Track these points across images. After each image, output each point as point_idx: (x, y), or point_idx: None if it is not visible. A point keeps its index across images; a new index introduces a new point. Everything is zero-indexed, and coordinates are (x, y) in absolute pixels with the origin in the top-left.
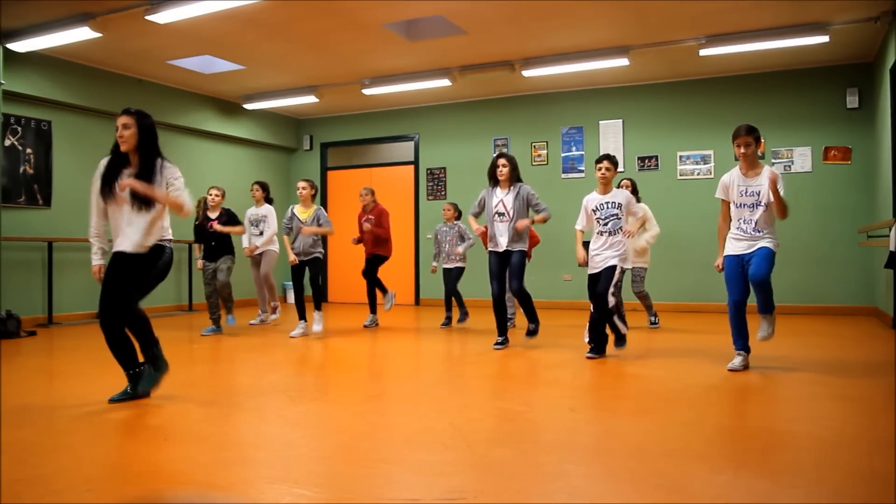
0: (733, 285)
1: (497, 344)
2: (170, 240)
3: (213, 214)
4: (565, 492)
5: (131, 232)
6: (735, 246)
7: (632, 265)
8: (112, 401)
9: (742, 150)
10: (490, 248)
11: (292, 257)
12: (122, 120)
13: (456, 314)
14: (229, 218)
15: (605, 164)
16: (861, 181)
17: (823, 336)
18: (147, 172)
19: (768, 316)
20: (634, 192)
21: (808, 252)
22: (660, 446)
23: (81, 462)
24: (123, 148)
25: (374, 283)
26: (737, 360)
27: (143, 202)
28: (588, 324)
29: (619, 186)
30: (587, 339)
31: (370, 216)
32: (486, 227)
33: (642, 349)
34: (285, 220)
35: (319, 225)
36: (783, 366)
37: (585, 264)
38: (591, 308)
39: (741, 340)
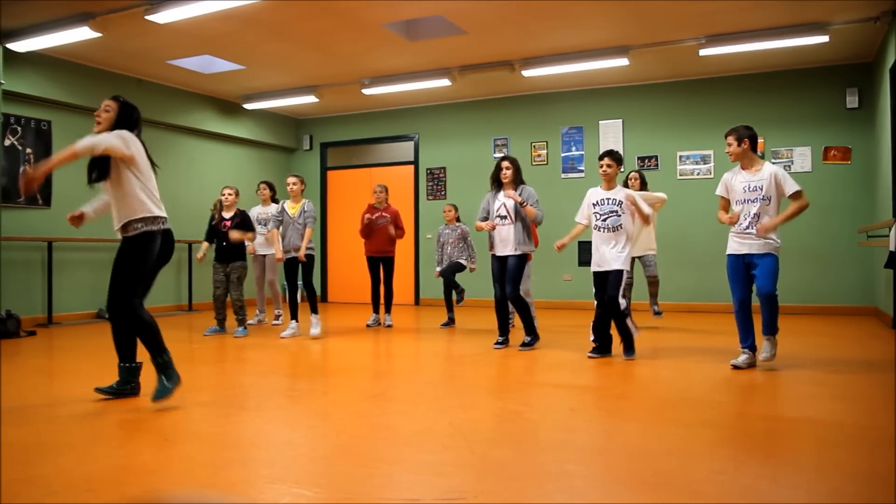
0: (737, 286)
1: (497, 343)
2: (153, 217)
3: (227, 214)
4: (565, 492)
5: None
6: (737, 244)
7: (642, 253)
8: (97, 390)
9: (726, 150)
10: (491, 252)
11: (279, 255)
12: (108, 103)
13: (458, 315)
14: (243, 220)
15: (607, 160)
16: (861, 181)
17: (823, 336)
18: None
19: (771, 338)
20: (643, 185)
21: (808, 252)
22: (660, 446)
23: (81, 462)
24: (96, 130)
25: (389, 290)
26: (742, 358)
27: (93, 175)
28: (592, 323)
29: (626, 180)
30: (592, 339)
31: (384, 214)
32: (494, 224)
33: (643, 349)
34: (275, 214)
35: (304, 215)
36: (784, 365)
37: (560, 249)
38: (595, 308)
39: (747, 339)
